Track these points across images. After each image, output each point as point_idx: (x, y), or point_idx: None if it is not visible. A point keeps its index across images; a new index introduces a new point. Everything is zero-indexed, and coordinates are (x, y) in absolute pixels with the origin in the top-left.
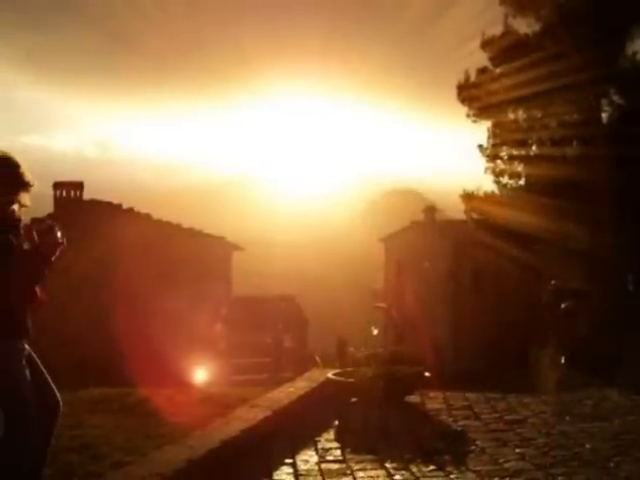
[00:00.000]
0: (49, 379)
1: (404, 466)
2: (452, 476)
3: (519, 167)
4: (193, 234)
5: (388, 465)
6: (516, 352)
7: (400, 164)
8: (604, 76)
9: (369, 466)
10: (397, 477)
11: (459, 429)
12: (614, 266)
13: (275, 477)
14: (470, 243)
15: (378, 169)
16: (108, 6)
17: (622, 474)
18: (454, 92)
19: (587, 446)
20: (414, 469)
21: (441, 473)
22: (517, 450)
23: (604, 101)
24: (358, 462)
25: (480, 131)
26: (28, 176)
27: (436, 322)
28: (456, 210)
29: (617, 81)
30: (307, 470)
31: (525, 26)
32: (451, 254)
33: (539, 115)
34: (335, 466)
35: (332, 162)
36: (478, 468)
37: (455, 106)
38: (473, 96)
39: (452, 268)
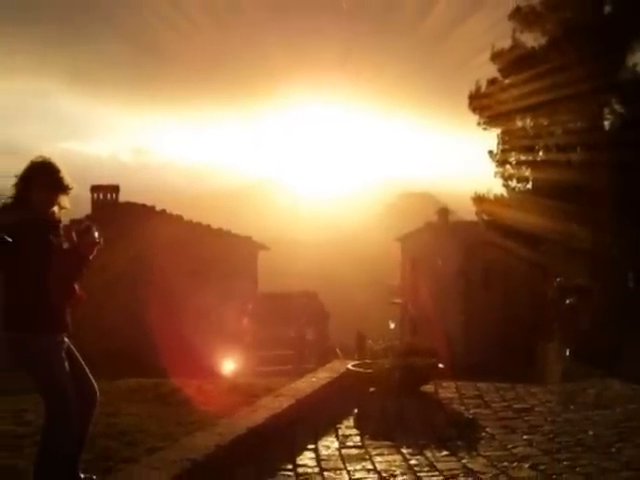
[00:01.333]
0: (87, 370)
1: (419, 451)
2: (464, 461)
3: (526, 172)
4: (221, 234)
5: (404, 450)
6: (523, 345)
7: (415, 169)
8: (606, 86)
9: (386, 451)
10: (412, 462)
11: (470, 417)
12: (615, 265)
13: (298, 462)
14: (480, 243)
15: (394, 173)
16: (143, 22)
17: (623, 459)
18: (466, 101)
19: (590, 433)
20: (428, 454)
21: (454, 458)
22: (525, 436)
23: (606, 110)
24: (376, 448)
25: (490, 138)
26: (67, 180)
27: (448, 317)
28: (468, 212)
29: (618, 91)
30: (328, 455)
31: (532, 40)
32: (462, 253)
33: (545, 123)
34: (355, 451)
35: (351, 167)
36: (488, 453)
37: (466, 115)
38: (484, 105)
39: (463, 266)
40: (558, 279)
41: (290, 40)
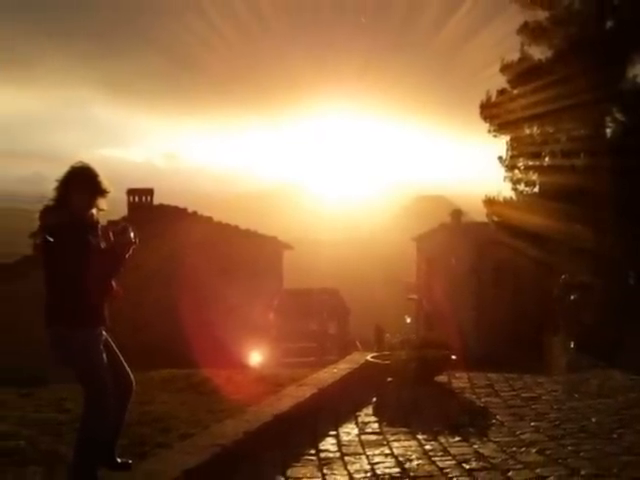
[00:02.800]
0: (123, 361)
1: (433, 437)
2: (475, 446)
3: (533, 176)
4: (249, 235)
5: (419, 436)
6: (531, 339)
7: (429, 173)
8: (608, 96)
9: (403, 437)
10: (427, 447)
11: (481, 405)
12: (616, 263)
13: (321, 447)
14: (491, 243)
15: (410, 177)
16: (176, 36)
17: (624, 444)
18: (477, 110)
19: (593, 420)
20: (442, 440)
21: (465, 443)
22: (532, 423)
23: (608, 118)
24: (393, 434)
25: (500, 144)
26: (105, 184)
27: (461, 312)
28: (479, 214)
29: (619, 101)
30: (349, 441)
31: (539, 53)
32: (474, 253)
33: (551, 130)
34: (373, 437)
35: (369, 171)
36: (498, 439)
37: (478, 122)
38: (493, 114)
39: (475, 265)
40: (563, 276)
41: (313, 52)
